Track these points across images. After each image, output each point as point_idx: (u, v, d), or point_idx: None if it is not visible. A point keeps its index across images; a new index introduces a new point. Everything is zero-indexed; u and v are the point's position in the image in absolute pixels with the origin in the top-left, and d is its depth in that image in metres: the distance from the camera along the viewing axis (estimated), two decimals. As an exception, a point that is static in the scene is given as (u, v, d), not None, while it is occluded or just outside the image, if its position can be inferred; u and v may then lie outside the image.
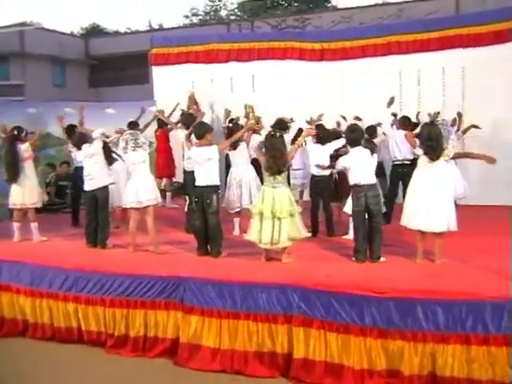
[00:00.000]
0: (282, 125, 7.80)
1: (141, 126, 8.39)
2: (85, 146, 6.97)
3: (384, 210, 6.68)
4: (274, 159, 5.76)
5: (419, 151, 5.74)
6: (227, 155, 8.14)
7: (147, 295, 5.64)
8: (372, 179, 6.05)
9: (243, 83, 11.23)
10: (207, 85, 11.21)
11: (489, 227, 7.67)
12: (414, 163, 6.44)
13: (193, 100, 8.66)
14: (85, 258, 6.61)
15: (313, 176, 7.52)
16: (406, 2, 21.11)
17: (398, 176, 8.11)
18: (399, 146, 8.05)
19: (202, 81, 11.29)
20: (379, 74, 10.46)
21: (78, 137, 7.15)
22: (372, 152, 6.06)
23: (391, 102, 8.10)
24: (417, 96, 10.23)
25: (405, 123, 8.01)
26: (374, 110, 8.82)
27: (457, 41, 10.20)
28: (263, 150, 5.83)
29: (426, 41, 10.42)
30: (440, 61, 10.26)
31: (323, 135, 7.31)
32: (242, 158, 7.48)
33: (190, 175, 6.95)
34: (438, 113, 8.19)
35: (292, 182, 8.93)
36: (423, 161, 5.73)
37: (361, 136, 6.21)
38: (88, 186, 7.01)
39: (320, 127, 7.44)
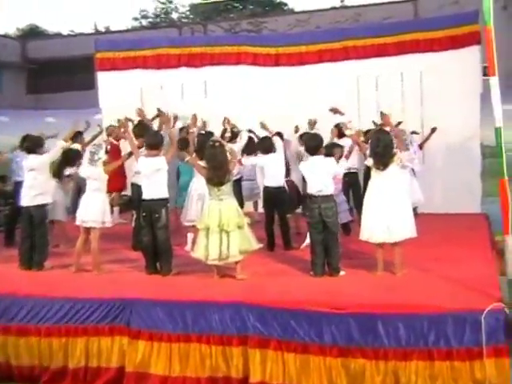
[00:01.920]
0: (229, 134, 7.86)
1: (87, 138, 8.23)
2: (32, 157, 6.73)
3: (345, 220, 6.90)
4: (214, 170, 5.76)
5: (369, 161, 5.82)
6: (178, 166, 8.02)
7: (89, 320, 5.41)
8: (328, 190, 6.05)
9: (195, 90, 11.18)
10: (156, 92, 11.09)
11: (449, 236, 7.75)
12: (366, 172, 6.71)
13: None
14: (18, 281, 6.28)
15: (266, 187, 7.49)
16: (364, 5, 21.51)
17: (345, 185, 8.13)
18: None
19: (151, 87, 11.18)
20: (336, 80, 10.54)
21: (34, 140, 6.85)
22: (337, 157, 6.12)
23: (335, 110, 8.34)
24: (375, 102, 10.34)
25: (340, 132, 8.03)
26: (330, 116, 8.83)
27: (414, 46, 10.40)
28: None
29: (384, 45, 10.60)
30: (398, 66, 10.43)
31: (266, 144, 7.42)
32: None
33: (137, 188, 6.89)
34: (379, 124, 8.27)
35: (244, 193, 8.99)
36: (374, 171, 5.81)
37: (320, 144, 6.21)
38: (24, 201, 6.78)
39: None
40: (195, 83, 11.24)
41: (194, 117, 7.88)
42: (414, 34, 10.47)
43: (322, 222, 5.91)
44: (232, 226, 5.73)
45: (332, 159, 6.11)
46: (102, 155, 6.52)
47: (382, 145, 5.66)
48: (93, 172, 6.46)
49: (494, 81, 5.37)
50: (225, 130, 8.01)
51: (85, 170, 6.55)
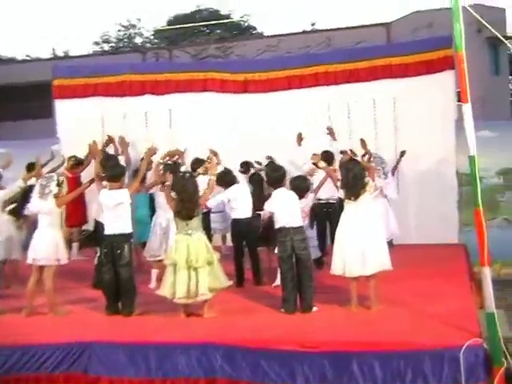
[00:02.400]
0: (197, 165, 7.82)
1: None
2: None
3: (314, 256, 6.76)
4: (182, 203, 5.72)
5: (341, 193, 5.92)
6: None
7: (42, 369, 5.23)
8: (298, 221, 6.08)
9: (159, 118, 11.15)
10: (119, 120, 11.00)
11: (426, 268, 7.76)
12: (340, 204, 6.70)
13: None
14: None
15: (234, 220, 7.49)
16: (335, 29, 21.86)
17: (324, 216, 8.21)
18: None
19: (113, 116, 11.09)
20: (307, 107, 10.61)
21: None
22: (301, 193, 6.12)
23: (330, 130, 8.51)
24: (348, 129, 10.45)
25: (326, 159, 7.79)
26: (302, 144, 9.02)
27: (387, 71, 10.53)
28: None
29: (356, 71, 10.74)
30: (370, 92, 10.58)
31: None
32: None
33: (101, 222, 6.83)
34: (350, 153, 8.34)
35: (212, 225, 8.96)
36: (347, 202, 5.88)
37: (282, 176, 6.27)
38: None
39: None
40: (160, 111, 11.22)
41: (151, 149, 7.73)
42: (387, 58, 10.58)
43: (293, 256, 5.92)
44: (201, 262, 5.72)
45: (293, 193, 6.13)
46: (54, 188, 6.37)
47: (351, 175, 5.76)
48: (43, 206, 6.33)
49: (467, 108, 5.36)
50: (200, 162, 7.89)
51: (35, 204, 6.40)
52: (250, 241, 7.43)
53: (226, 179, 7.30)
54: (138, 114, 11.20)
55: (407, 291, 6.51)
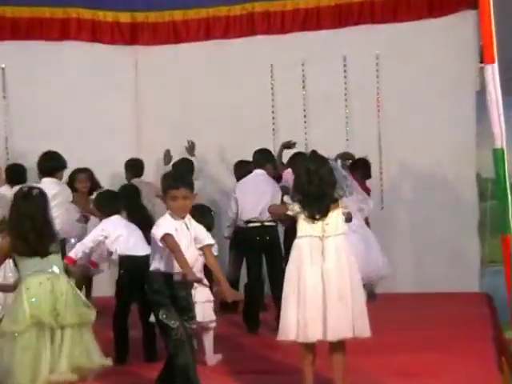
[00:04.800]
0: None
1: None
2: None
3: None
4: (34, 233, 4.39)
5: (294, 207, 4.59)
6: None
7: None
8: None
9: None
10: None
11: (427, 332, 6.16)
12: (289, 228, 5.97)
13: None
14: None
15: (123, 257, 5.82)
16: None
17: (256, 246, 6.38)
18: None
19: None
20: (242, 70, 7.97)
21: None
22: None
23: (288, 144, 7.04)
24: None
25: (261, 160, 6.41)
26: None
27: (366, 12, 7.98)
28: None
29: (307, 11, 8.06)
30: (337, 45, 7.97)
31: None
32: None
33: None
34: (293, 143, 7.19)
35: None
36: (303, 223, 4.58)
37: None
38: None
39: None
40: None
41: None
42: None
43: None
44: (70, 319, 4.28)
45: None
46: None
47: (316, 179, 4.52)
48: None
49: (493, 72, 4.47)
50: None
51: None
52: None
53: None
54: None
55: (396, 370, 5.16)
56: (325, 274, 4.53)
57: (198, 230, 4.37)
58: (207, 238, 4.29)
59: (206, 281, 4.53)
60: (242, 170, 6.89)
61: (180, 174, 4.69)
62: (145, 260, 5.13)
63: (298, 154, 6.70)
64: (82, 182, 6.46)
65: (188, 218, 4.28)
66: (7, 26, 7.92)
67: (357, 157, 7.43)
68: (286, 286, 4.66)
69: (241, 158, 7.03)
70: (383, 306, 6.31)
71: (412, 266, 7.87)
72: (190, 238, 4.25)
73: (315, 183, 4.52)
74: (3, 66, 7.85)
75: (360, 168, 7.06)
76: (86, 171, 6.60)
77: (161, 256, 4.26)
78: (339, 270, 4.58)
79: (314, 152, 5.02)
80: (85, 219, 6.36)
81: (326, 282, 4.53)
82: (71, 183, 6.56)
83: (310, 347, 4.56)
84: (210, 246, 4.33)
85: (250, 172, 6.53)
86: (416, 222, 7.85)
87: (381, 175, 7.66)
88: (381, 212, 7.53)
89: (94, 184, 6.66)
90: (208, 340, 5.21)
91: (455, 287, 7.48)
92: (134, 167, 7.24)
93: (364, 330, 4.58)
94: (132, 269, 5.58)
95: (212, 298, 5.36)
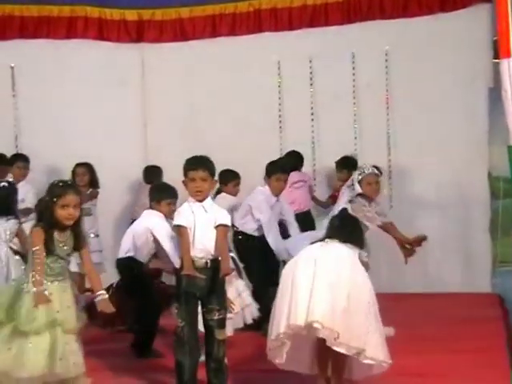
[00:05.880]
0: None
1: None
2: None
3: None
4: None
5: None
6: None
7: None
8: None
9: None
10: None
11: (436, 335, 5.95)
12: None
13: None
14: None
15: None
16: None
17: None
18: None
19: None
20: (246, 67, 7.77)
21: None
22: None
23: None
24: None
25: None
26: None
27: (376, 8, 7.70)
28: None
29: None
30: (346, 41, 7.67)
31: None
32: None
33: None
34: None
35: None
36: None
37: None
38: None
39: None
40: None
41: None
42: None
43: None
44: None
45: None
46: None
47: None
48: None
49: (508, 66, 4.15)
50: None
51: None
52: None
53: None
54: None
55: (404, 372, 4.75)
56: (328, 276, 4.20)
57: (218, 212, 4.23)
58: (221, 219, 4.16)
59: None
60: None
61: (200, 157, 4.62)
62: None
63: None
64: (79, 176, 6.43)
65: (208, 201, 4.18)
66: (16, 25, 7.77)
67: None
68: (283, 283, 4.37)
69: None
70: (393, 306, 6.15)
71: (422, 266, 7.45)
72: (208, 221, 4.14)
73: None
74: (12, 64, 7.66)
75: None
76: (84, 165, 6.54)
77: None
78: (342, 271, 4.23)
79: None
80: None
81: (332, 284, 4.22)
82: (73, 178, 6.50)
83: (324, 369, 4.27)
84: (223, 226, 4.16)
85: None
86: (426, 221, 7.56)
87: (389, 173, 7.39)
88: (389, 211, 7.12)
89: (94, 179, 6.61)
90: None
91: (466, 288, 7.32)
92: (153, 173, 7.14)
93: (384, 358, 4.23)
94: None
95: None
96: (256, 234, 6.25)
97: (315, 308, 4.21)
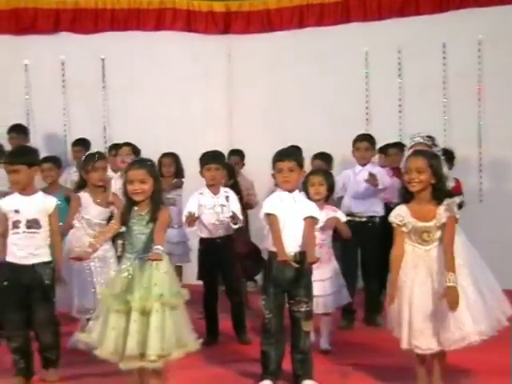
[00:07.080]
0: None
1: None
2: None
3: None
4: None
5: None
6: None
7: None
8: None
9: (83, 70, 7.85)
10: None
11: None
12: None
13: None
14: None
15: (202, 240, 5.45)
16: None
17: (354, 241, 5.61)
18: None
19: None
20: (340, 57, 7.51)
21: None
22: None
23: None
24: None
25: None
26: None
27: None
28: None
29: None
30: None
31: None
32: None
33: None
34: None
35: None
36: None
37: None
38: None
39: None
40: (83, 60, 7.72)
41: None
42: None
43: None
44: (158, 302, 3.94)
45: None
46: None
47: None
48: None
49: None
50: None
51: None
52: (227, 273, 5.42)
53: None
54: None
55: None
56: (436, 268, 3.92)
57: (306, 204, 4.14)
58: (309, 211, 4.07)
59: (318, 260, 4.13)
60: None
61: (288, 148, 4.51)
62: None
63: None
64: (165, 166, 6.22)
65: (297, 192, 4.10)
66: (107, 18, 7.76)
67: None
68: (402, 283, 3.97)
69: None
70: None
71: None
72: (296, 212, 4.04)
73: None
74: (102, 56, 7.65)
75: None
76: (171, 155, 6.34)
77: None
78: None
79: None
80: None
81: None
82: (159, 168, 6.23)
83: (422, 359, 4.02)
84: (310, 218, 4.06)
85: None
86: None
87: (480, 166, 7.05)
88: (479, 205, 6.91)
89: (179, 169, 6.41)
90: (324, 323, 4.86)
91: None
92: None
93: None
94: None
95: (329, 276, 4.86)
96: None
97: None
